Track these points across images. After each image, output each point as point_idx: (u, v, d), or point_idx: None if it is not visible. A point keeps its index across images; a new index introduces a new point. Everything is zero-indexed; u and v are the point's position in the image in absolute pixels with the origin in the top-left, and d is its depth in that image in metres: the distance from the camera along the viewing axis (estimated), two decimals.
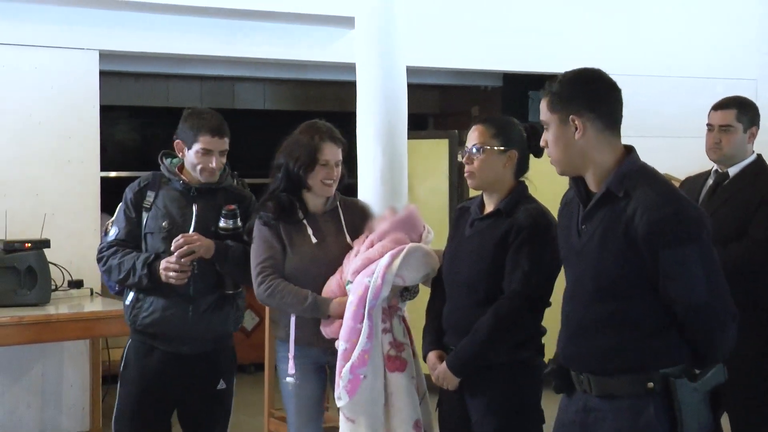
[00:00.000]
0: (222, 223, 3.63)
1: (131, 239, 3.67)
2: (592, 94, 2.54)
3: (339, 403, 3.32)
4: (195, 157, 3.60)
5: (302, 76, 7.42)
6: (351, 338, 3.30)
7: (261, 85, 8.60)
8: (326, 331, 3.43)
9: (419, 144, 6.10)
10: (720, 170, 4.18)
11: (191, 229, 3.61)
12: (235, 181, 3.79)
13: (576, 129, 2.52)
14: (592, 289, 2.52)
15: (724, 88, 5.43)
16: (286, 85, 8.56)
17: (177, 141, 3.65)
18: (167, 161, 3.72)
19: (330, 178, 3.49)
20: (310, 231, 3.52)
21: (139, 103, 8.19)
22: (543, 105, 2.60)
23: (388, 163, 4.41)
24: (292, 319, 3.48)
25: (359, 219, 3.61)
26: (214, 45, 6.11)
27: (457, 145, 6.22)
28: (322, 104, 8.35)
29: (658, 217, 2.40)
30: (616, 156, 2.54)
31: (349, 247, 3.51)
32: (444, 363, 3.23)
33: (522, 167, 3.30)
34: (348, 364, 3.28)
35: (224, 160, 3.67)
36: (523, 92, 8.14)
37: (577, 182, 2.61)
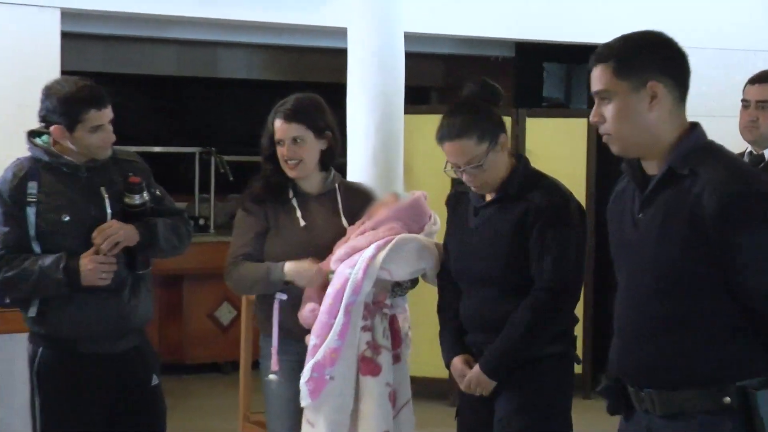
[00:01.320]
0: (128, 200, 3.52)
1: (21, 245, 3.44)
2: (669, 58, 2.44)
3: (302, 403, 3.34)
4: (87, 137, 3.46)
5: (291, 42, 7.41)
6: (322, 334, 3.32)
7: (245, 51, 8.58)
8: (303, 320, 3.45)
9: (419, 120, 6.08)
10: (755, 152, 4.18)
11: (108, 217, 3.50)
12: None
13: (652, 98, 2.42)
14: (651, 287, 2.42)
15: (765, 62, 5.41)
16: (272, 51, 8.54)
17: (54, 127, 3.46)
18: (39, 140, 3.54)
19: (285, 157, 3.55)
20: (299, 213, 3.56)
21: (107, 69, 8.13)
22: (603, 72, 2.46)
23: (382, 141, 4.42)
24: (275, 307, 3.51)
25: (360, 204, 3.64)
26: (193, 5, 6.08)
27: None
28: (313, 73, 8.33)
29: (731, 194, 2.30)
30: (681, 131, 2.45)
31: (344, 232, 3.53)
32: (476, 367, 3.24)
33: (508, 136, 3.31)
34: (312, 360, 3.30)
35: (111, 130, 3.56)
36: (537, 64, 8.13)
37: (633, 164, 2.53)
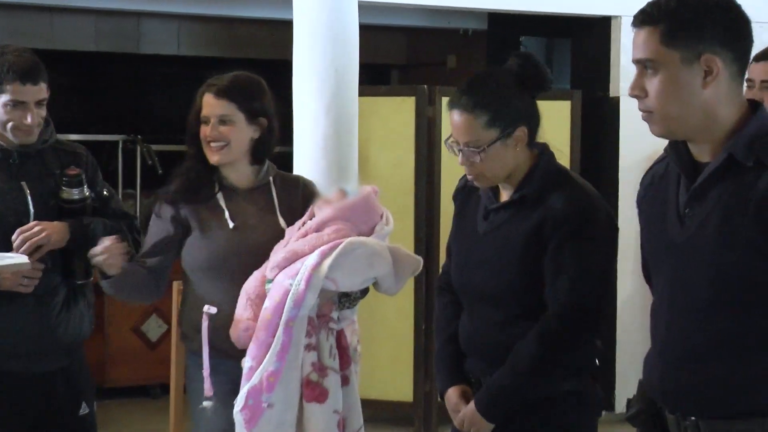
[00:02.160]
0: (65, 194, 3.51)
1: None
2: (732, 26, 2.37)
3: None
4: (3, 112, 3.45)
5: (227, 12, 7.38)
6: (258, 355, 3.28)
7: (174, 23, 8.55)
8: (236, 339, 3.40)
9: (377, 102, 6.08)
10: None
11: (31, 213, 3.48)
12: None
13: (707, 73, 2.34)
14: (707, 299, 2.35)
15: None
16: (205, 23, 8.52)
17: None
18: None
19: (208, 138, 3.50)
20: (226, 213, 3.50)
21: (14, 43, 8.07)
22: (648, 37, 2.37)
23: (333, 127, 4.41)
24: (204, 325, 3.46)
25: (299, 200, 3.60)
26: None
27: (426, 104, 6.22)
28: (253, 49, 8.32)
29: None
30: (741, 112, 2.39)
31: (282, 234, 3.48)
32: (471, 404, 3.11)
33: (535, 129, 3.13)
34: (247, 385, 3.26)
35: (44, 112, 3.54)
36: (513, 38, 8.13)
37: (679, 148, 2.45)
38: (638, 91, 2.40)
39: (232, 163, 3.53)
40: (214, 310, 3.47)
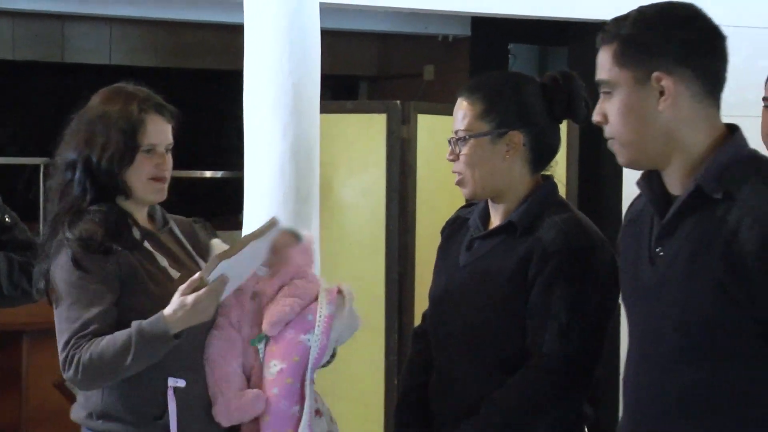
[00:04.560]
0: None
1: None
2: (690, 42, 2.46)
3: None
4: None
5: (168, 15, 7.38)
6: (282, 430, 3.26)
7: (105, 27, 8.57)
8: (223, 413, 3.29)
9: (342, 120, 6.09)
10: None
11: None
12: None
13: (662, 94, 2.45)
14: (675, 345, 2.43)
15: None
16: (142, 28, 8.54)
17: None
18: None
19: (162, 171, 3.33)
20: (164, 261, 3.37)
21: None
22: (605, 57, 2.53)
23: (291, 148, 4.41)
24: (171, 403, 3.24)
25: (201, 243, 3.54)
26: None
27: (399, 123, 6.23)
28: (199, 58, 8.32)
29: None
30: (713, 138, 2.46)
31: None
32: None
33: (541, 152, 3.19)
34: None
35: None
36: (500, 45, 8.19)
37: (651, 181, 2.54)
38: (600, 117, 2.54)
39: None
40: (181, 383, 3.26)
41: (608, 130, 2.53)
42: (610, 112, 2.52)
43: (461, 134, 3.16)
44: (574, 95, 3.18)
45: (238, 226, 4.53)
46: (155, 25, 8.32)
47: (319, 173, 4.56)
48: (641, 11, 2.49)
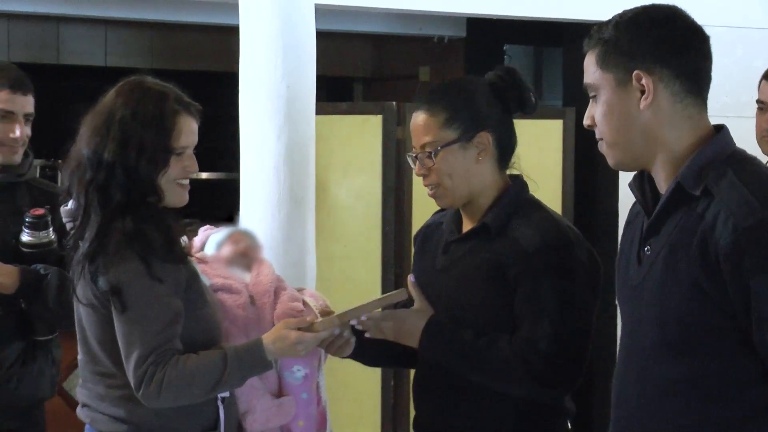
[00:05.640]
0: (26, 237, 3.58)
1: None
2: (667, 41, 2.49)
3: None
4: None
5: (163, 17, 7.37)
6: None
7: (100, 29, 8.55)
8: (260, 421, 3.32)
9: (337, 122, 6.10)
10: None
11: None
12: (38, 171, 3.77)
13: (643, 93, 2.48)
14: (654, 342, 2.45)
15: None
16: (137, 29, 8.53)
17: None
18: None
19: (189, 173, 3.24)
20: (199, 268, 3.30)
21: None
22: (589, 61, 2.56)
23: (286, 150, 4.42)
24: (221, 414, 3.22)
25: None
26: None
27: (394, 124, 6.24)
28: (193, 60, 8.36)
29: (751, 225, 2.32)
30: (697, 137, 2.49)
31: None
32: (420, 320, 3.14)
33: (505, 149, 3.24)
34: None
35: (29, 131, 3.60)
36: (496, 47, 8.19)
37: (642, 181, 2.58)
38: (589, 121, 2.58)
39: None
40: (227, 393, 3.23)
41: (597, 133, 2.57)
42: (597, 115, 2.55)
43: (429, 147, 3.16)
44: (523, 88, 3.23)
45: None
46: (151, 27, 8.30)
47: (315, 174, 4.57)
48: (622, 14, 2.54)
